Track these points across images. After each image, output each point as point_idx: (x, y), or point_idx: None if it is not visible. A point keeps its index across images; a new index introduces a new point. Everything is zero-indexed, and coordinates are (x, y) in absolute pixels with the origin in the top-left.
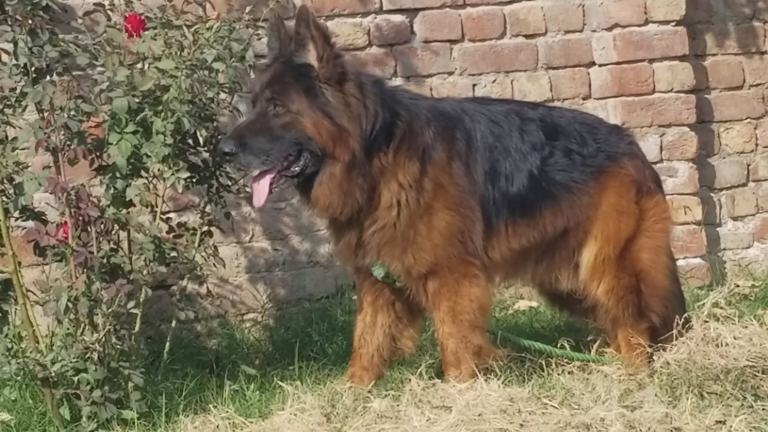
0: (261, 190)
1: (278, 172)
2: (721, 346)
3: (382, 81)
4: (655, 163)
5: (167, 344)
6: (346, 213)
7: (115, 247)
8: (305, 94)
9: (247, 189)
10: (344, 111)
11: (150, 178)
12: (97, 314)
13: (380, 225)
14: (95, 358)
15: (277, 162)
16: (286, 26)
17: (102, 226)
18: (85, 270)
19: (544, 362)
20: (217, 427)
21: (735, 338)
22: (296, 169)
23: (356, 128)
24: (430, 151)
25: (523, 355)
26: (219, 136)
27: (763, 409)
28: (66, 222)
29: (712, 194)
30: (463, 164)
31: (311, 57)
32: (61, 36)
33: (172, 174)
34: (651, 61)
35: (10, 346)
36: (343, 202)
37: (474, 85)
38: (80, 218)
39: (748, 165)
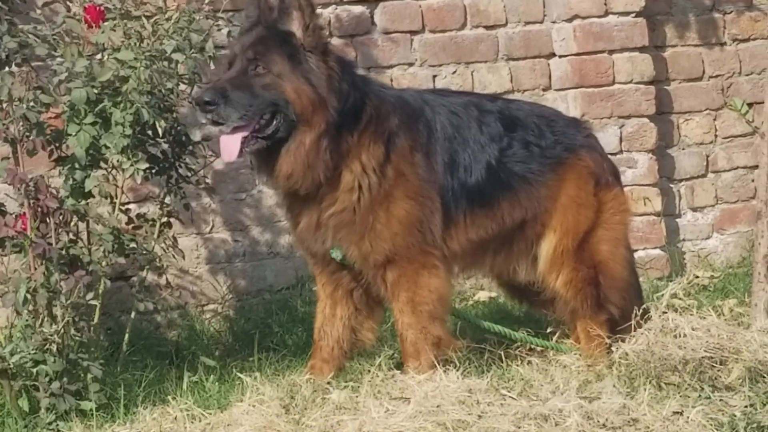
0: (232, 145)
1: (251, 132)
2: (680, 337)
3: (354, 64)
4: (615, 154)
5: (126, 335)
6: (306, 186)
7: (74, 238)
8: (288, 59)
9: (207, 180)
10: (326, 81)
11: (109, 169)
12: (56, 306)
13: (339, 207)
14: (54, 349)
15: (253, 120)
16: None
17: (61, 218)
18: (43, 261)
19: (503, 353)
20: (176, 418)
21: (693, 329)
22: (268, 131)
23: (334, 100)
24: (394, 138)
25: (482, 346)
26: (178, 127)
27: (720, 400)
28: (25, 213)
29: (671, 185)
30: (424, 154)
31: (295, 25)
32: (20, 26)
33: (131, 165)
34: (611, 52)
35: None
36: (304, 174)
37: (434, 76)
38: (39, 209)
39: (708, 156)
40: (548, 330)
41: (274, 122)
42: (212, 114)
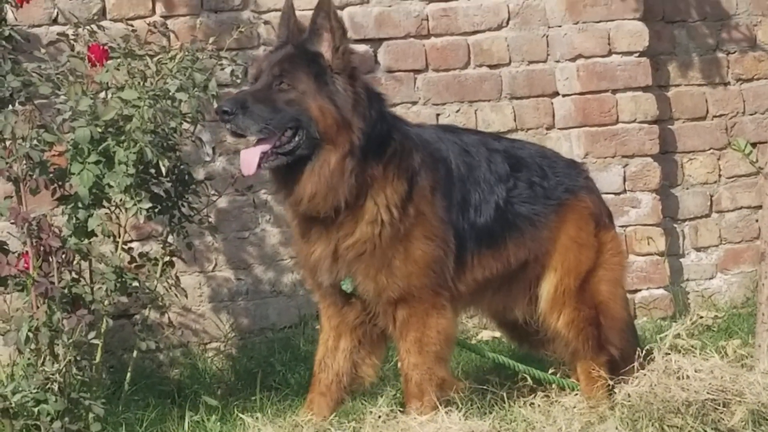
0: (251, 158)
1: (272, 147)
2: (683, 378)
3: (385, 96)
4: (618, 193)
5: (128, 374)
6: (327, 209)
7: (77, 277)
8: (315, 79)
9: (210, 219)
10: (352, 104)
11: (112, 208)
12: (58, 344)
13: (358, 238)
14: (56, 388)
15: (273, 135)
16: (297, 16)
17: (63, 256)
18: (46, 300)
19: (505, 394)
20: None
21: (696, 371)
22: (289, 147)
23: (360, 122)
24: (416, 177)
25: (484, 387)
26: (181, 166)
27: None
28: (27, 252)
29: (675, 225)
30: (442, 194)
31: (325, 47)
32: (24, 65)
33: (134, 204)
34: (614, 91)
35: None
36: (326, 195)
37: (438, 115)
38: (42, 248)
39: (712, 196)
40: (550, 371)
41: (296, 138)
42: (230, 124)
